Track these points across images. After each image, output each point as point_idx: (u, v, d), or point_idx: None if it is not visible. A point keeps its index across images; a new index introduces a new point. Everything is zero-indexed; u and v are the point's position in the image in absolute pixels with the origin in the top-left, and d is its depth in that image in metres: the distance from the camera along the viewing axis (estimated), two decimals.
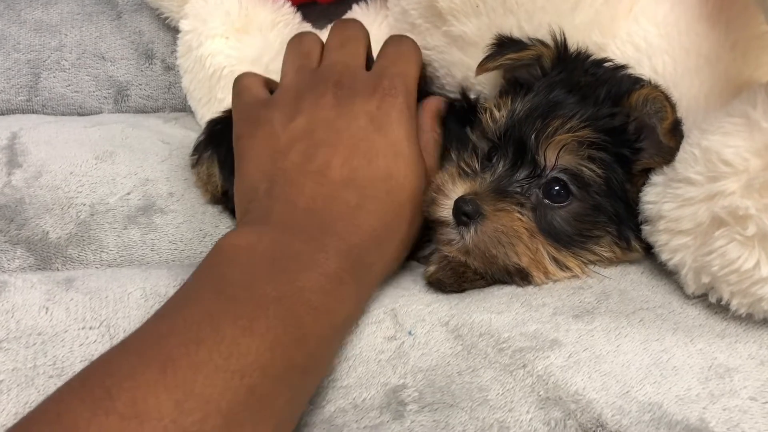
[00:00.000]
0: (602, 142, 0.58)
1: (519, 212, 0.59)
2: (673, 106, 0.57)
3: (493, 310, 0.55)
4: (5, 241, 0.70)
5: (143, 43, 1.01)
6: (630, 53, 0.66)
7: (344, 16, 0.90)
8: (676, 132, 0.57)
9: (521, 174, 0.60)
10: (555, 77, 0.63)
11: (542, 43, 0.66)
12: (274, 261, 0.49)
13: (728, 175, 0.51)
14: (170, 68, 1.01)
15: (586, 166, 0.58)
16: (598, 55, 0.66)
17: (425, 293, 0.59)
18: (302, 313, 0.47)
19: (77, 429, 0.36)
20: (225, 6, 0.89)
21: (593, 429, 0.46)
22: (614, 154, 0.59)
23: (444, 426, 0.47)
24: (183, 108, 1.00)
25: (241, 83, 0.70)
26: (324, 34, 0.72)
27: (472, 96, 0.74)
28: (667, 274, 0.59)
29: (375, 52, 0.70)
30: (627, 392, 0.47)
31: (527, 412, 0.47)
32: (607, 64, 0.65)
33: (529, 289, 0.59)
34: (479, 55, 0.68)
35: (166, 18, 0.98)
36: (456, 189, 0.61)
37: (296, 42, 0.72)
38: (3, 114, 0.98)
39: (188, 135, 0.87)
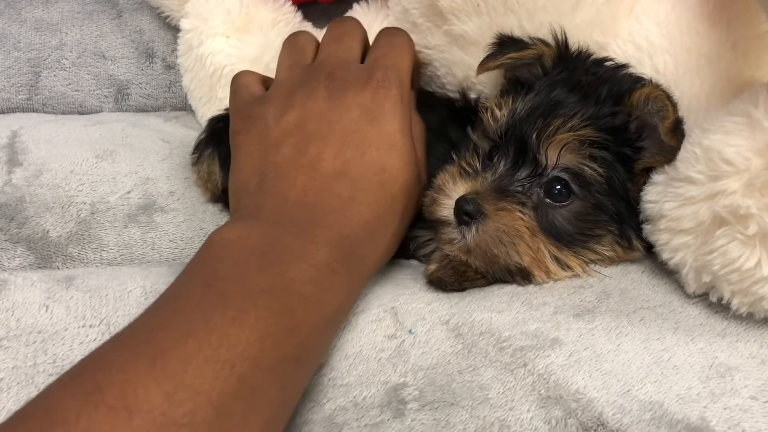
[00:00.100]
0: (603, 141, 0.58)
1: (520, 211, 0.59)
2: (674, 105, 0.57)
3: (494, 308, 0.55)
4: (5, 240, 0.70)
5: (144, 42, 1.01)
6: (631, 52, 0.66)
7: (345, 15, 0.90)
8: (678, 131, 0.57)
9: (522, 173, 0.60)
10: (556, 76, 0.63)
11: (543, 42, 0.66)
12: (264, 254, 0.50)
13: (729, 174, 0.51)
14: (171, 67, 1.01)
15: (587, 165, 0.58)
16: (599, 54, 0.66)
17: (426, 292, 0.59)
18: (293, 304, 0.47)
19: (67, 423, 0.37)
20: (226, 5, 0.89)
21: (594, 428, 0.46)
22: (615, 153, 0.59)
23: (445, 425, 0.47)
24: (183, 107, 1.00)
25: (238, 81, 0.71)
26: (322, 34, 0.72)
27: (473, 95, 0.74)
28: (667, 273, 0.59)
29: None
30: (628, 391, 0.47)
31: (528, 410, 0.47)
32: (608, 63, 0.65)
33: (530, 288, 0.59)
34: (480, 55, 0.68)
35: (167, 17, 0.98)
36: (457, 188, 0.61)
37: (291, 40, 0.72)
38: (3, 112, 0.98)
39: (189, 134, 0.87)
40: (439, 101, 0.76)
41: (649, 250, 0.61)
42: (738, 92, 0.58)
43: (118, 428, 0.37)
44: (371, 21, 0.85)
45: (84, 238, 0.71)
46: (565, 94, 0.61)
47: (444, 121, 0.72)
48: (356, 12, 0.90)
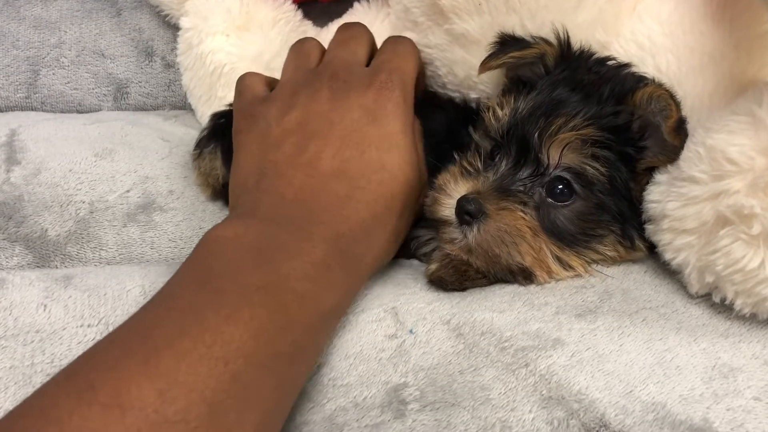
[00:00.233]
0: (606, 141, 0.58)
1: (522, 211, 0.58)
2: (677, 105, 0.57)
3: (495, 308, 0.55)
4: (4, 239, 0.69)
5: (143, 41, 1.01)
6: (633, 51, 0.65)
7: (345, 14, 0.89)
8: (681, 130, 0.57)
9: (524, 173, 0.60)
10: (558, 75, 0.63)
11: (545, 41, 0.65)
12: (259, 251, 0.50)
13: (733, 173, 0.51)
14: (170, 66, 1.00)
15: (589, 165, 0.58)
16: (602, 53, 0.66)
17: (426, 291, 0.58)
18: (288, 301, 0.47)
19: (61, 421, 0.37)
20: (226, 3, 0.89)
21: (596, 429, 0.46)
22: (618, 152, 0.59)
23: (446, 425, 0.47)
24: (183, 106, 1.00)
25: (243, 82, 0.71)
26: (324, 33, 0.72)
27: (474, 95, 0.74)
28: (670, 273, 0.59)
29: None
30: (630, 392, 0.47)
31: (530, 411, 0.47)
32: (610, 63, 0.64)
33: (532, 288, 0.58)
34: (482, 54, 0.67)
35: (167, 15, 0.98)
36: (458, 188, 0.61)
37: (297, 45, 0.73)
38: (2, 111, 0.98)
39: (188, 133, 0.87)
40: (449, 103, 0.76)
41: (652, 250, 0.61)
42: (741, 91, 0.58)
43: (111, 426, 0.37)
44: (372, 20, 0.85)
45: (83, 237, 0.70)
46: (567, 93, 0.61)
47: (453, 121, 0.72)
48: (357, 11, 0.89)
